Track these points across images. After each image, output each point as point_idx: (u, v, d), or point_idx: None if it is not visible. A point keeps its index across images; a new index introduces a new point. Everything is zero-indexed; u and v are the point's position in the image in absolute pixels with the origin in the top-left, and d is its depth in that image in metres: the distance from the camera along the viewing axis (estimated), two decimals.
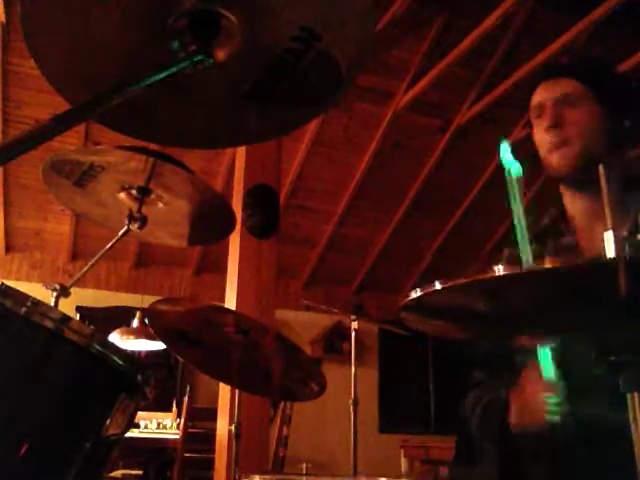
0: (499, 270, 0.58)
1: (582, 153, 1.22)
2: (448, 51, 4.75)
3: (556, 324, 0.71)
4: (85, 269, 1.59)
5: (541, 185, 4.39)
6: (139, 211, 1.45)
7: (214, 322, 1.98)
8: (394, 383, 6.93)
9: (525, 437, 1.18)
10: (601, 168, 0.69)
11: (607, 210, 0.64)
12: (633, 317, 0.65)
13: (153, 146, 1.29)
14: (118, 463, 4.10)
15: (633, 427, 0.64)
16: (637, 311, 0.63)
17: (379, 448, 5.74)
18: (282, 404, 3.91)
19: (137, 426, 4.34)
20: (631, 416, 0.65)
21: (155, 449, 4.22)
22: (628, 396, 0.65)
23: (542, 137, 1.27)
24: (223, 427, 3.32)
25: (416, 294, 0.64)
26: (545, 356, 1.09)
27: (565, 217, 1.31)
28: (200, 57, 0.74)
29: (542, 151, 1.28)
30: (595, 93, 1.25)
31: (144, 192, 1.45)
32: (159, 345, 3.75)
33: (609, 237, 0.60)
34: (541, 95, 1.29)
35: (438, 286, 0.61)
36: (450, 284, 0.61)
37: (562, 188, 1.32)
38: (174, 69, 0.73)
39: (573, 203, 1.30)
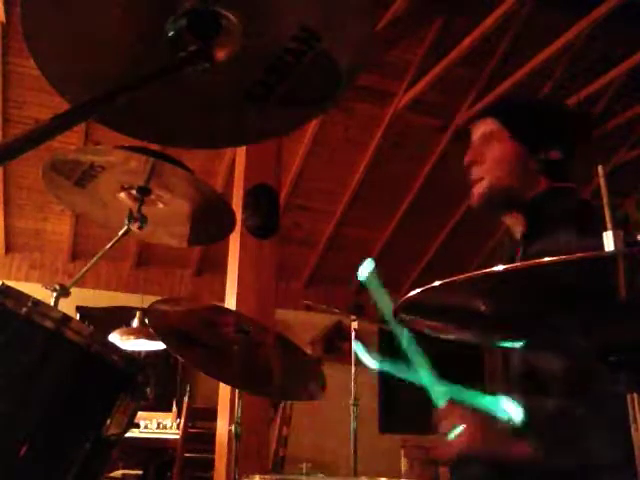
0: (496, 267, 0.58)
1: (490, 187, 1.37)
2: (448, 51, 4.74)
3: (553, 324, 0.71)
4: (85, 269, 1.59)
5: None
6: (139, 211, 1.45)
7: (214, 322, 1.98)
8: (394, 383, 6.92)
9: None
10: (600, 169, 0.70)
11: (606, 210, 0.64)
12: (632, 316, 0.65)
13: (153, 146, 1.29)
14: (118, 463, 4.10)
15: (633, 427, 0.64)
16: (635, 310, 0.63)
17: (379, 448, 5.73)
18: (282, 404, 3.91)
19: (137, 426, 4.33)
20: (631, 417, 0.65)
21: (155, 449, 4.22)
22: (628, 397, 0.65)
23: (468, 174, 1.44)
24: (223, 427, 3.32)
25: (410, 295, 0.64)
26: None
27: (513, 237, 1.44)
28: (200, 57, 0.74)
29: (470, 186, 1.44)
30: (510, 130, 1.38)
31: (144, 192, 1.45)
32: (159, 345, 3.75)
33: (608, 236, 0.60)
34: (472, 136, 1.46)
35: (437, 283, 0.61)
36: (446, 281, 0.61)
37: None
38: (174, 69, 0.73)
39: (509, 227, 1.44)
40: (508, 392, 1.32)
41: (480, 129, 1.44)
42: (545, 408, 1.20)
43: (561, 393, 1.18)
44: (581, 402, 1.13)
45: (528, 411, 1.23)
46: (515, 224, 1.41)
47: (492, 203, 1.39)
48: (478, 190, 1.40)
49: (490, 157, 1.38)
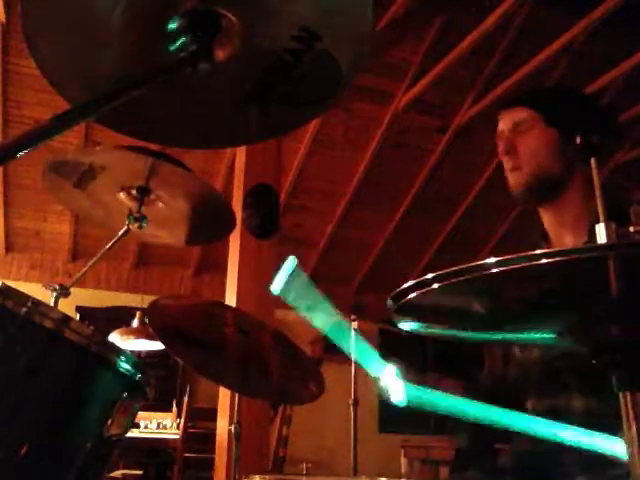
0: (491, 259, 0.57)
1: (531, 176, 1.36)
2: (448, 51, 4.74)
3: (549, 321, 0.71)
4: (85, 269, 1.59)
5: None
6: (139, 211, 1.45)
7: (214, 319, 1.98)
8: None
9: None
10: (593, 161, 0.70)
11: (599, 202, 0.64)
12: (626, 314, 0.65)
13: (153, 146, 1.29)
14: (118, 463, 4.10)
15: (626, 426, 0.64)
16: (629, 308, 0.63)
17: (379, 448, 5.73)
18: (282, 404, 3.90)
19: (137, 426, 4.34)
20: (624, 415, 0.64)
21: (155, 449, 4.23)
22: (620, 395, 0.65)
23: (502, 160, 1.42)
24: (223, 427, 3.32)
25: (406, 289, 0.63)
26: None
27: (544, 232, 1.43)
28: (200, 57, 0.74)
29: (505, 171, 1.42)
30: (544, 117, 1.37)
31: (144, 192, 1.45)
32: (159, 345, 3.74)
33: (600, 228, 0.60)
34: (500, 124, 1.43)
35: (430, 275, 0.60)
36: (440, 273, 0.59)
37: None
38: (174, 69, 0.73)
39: (544, 219, 1.43)
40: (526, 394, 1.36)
41: (511, 118, 1.40)
42: (572, 407, 1.21)
43: (585, 392, 1.19)
44: (606, 400, 1.13)
45: (556, 411, 1.24)
46: (550, 216, 1.40)
47: (535, 190, 1.37)
48: (517, 179, 1.37)
49: (526, 145, 1.36)
